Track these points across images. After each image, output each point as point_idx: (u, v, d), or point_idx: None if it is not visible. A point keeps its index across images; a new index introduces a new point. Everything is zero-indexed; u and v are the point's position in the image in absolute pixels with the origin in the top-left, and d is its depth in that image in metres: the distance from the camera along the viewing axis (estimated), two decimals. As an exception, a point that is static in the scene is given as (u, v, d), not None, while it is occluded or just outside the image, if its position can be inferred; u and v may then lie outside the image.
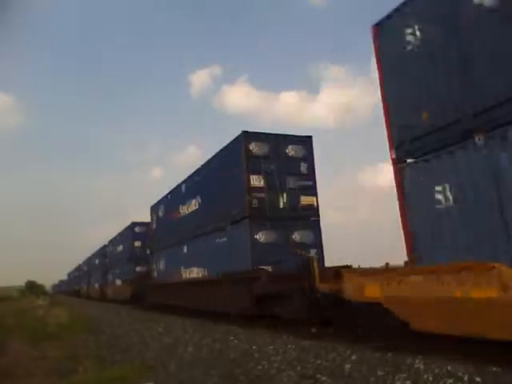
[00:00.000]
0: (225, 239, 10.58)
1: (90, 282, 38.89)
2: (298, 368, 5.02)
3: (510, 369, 4.00)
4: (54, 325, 12.25)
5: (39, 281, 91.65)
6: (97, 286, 33.75)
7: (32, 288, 79.37)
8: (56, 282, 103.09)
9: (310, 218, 9.91)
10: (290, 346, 6.35)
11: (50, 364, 6.27)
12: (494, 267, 4.07)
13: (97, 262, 34.65)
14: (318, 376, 4.60)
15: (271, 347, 6.45)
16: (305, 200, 9.94)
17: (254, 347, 6.60)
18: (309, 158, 10.23)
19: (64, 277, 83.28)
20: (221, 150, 11.24)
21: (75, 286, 53.10)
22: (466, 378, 3.95)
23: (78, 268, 51.57)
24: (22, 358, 6.73)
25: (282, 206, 9.71)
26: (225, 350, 6.72)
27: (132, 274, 21.63)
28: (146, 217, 20.15)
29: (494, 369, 4.07)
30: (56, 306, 26.06)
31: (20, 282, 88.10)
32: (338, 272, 6.60)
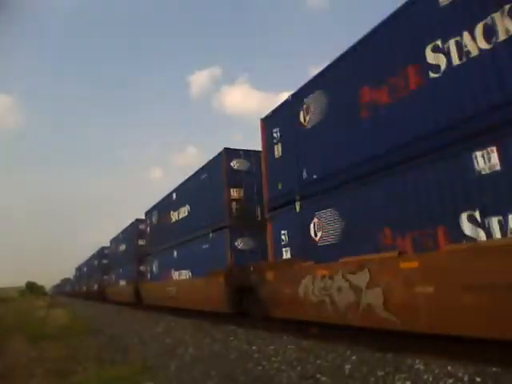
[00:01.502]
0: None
1: (151, 271, 17.69)
2: (298, 368, 5.02)
3: (510, 369, 3.99)
4: (54, 325, 12.25)
5: (39, 282, 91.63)
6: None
7: (32, 289, 79.45)
8: (57, 281, 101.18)
9: None
10: (289, 347, 6.35)
11: (49, 364, 6.27)
12: None
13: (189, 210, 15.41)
14: (318, 376, 4.60)
15: (271, 347, 6.45)
16: None
17: (253, 347, 6.60)
18: None
19: (67, 275, 75.69)
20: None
21: (90, 285, 37.42)
22: (466, 378, 3.95)
23: (99, 253, 33.23)
24: (22, 359, 6.74)
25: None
26: (225, 350, 6.72)
27: None
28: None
29: (494, 369, 4.07)
30: (56, 306, 26.05)
31: (20, 282, 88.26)
32: None
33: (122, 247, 24.86)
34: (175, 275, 14.34)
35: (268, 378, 4.79)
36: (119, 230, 26.67)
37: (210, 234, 11.50)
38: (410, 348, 5.15)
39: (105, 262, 31.42)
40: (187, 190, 13.79)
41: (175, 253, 14.52)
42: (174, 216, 14.91)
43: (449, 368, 4.27)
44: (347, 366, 4.86)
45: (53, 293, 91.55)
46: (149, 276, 18.14)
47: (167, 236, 15.45)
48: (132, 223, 22.48)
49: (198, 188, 12.70)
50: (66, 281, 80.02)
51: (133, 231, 22.13)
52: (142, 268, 20.17)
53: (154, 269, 17.28)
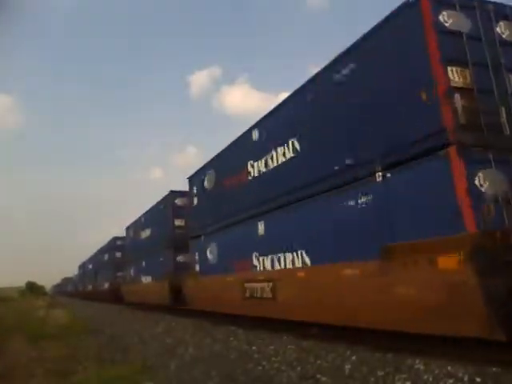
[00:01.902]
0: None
1: (203, 260, 12.14)
2: (298, 368, 5.02)
3: (510, 369, 3.99)
4: (54, 325, 12.25)
5: (39, 282, 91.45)
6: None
7: (32, 289, 79.35)
8: (58, 281, 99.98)
9: None
10: (289, 347, 6.35)
11: (49, 364, 6.27)
12: None
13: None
14: (318, 376, 4.60)
15: (271, 347, 6.45)
16: None
17: (253, 347, 6.60)
18: None
19: (67, 275, 72.35)
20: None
21: (99, 284, 31.00)
22: (466, 378, 3.95)
23: (111, 246, 27.24)
24: (22, 359, 6.73)
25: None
26: (225, 350, 6.72)
27: None
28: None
29: (494, 369, 4.06)
30: (56, 306, 26.06)
31: (20, 282, 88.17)
32: None
33: (146, 233, 18.98)
34: (263, 264, 8.44)
35: (268, 378, 4.79)
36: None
37: (379, 176, 5.66)
38: (410, 348, 5.14)
39: (118, 255, 25.49)
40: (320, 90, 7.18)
41: (261, 226, 8.56)
42: (259, 165, 8.84)
43: (449, 368, 4.27)
44: (347, 366, 4.86)
45: (53, 293, 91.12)
46: (197, 268, 12.09)
47: (240, 201, 9.61)
48: (165, 197, 16.40)
49: (346, 82, 6.46)
50: (67, 280, 71.89)
51: (166, 209, 16.07)
52: (180, 258, 14.80)
53: (210, 256, 11.30)
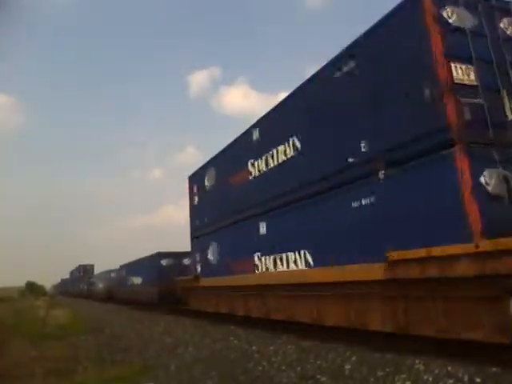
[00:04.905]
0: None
1: None
2: (298, 369, 5.02)
3: (510, 369, 3.99)
4: (54, 325, 12.25)
5: (39, 281, 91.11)
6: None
7: (32, 289, 79.26)
8: (63, 277, 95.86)
9: None
10: (289, 347, 6.35)
11: (49, 364, 6.27)
12: None
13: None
14: (318, 376, 4.60)
15: (271, 348, 6.45)
16: None
17: (253, 347, 6.60)
18: None
19: (67, 275, 61.55)
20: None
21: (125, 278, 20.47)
22: (466, 378, 3.94)
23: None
24: (22, 359, 6.74)
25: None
26: (225, 350, 6.72)
27: None
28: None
29: (494, 369, 4.06)
30: (56, 306, 26.07)
31: (20, 282, 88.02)
32: None
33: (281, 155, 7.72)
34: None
35: (268, 378, 4.79)
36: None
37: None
38: (410, 348, 5.14)
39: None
40: None
41: None
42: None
43: (449, 368, 4.26)
44: (347, 367, 4.86)
45: (53, 293, 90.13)
46: None
47: None
48: None
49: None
50: (82, 270, 44.67)
51: None
52: None
53: None
